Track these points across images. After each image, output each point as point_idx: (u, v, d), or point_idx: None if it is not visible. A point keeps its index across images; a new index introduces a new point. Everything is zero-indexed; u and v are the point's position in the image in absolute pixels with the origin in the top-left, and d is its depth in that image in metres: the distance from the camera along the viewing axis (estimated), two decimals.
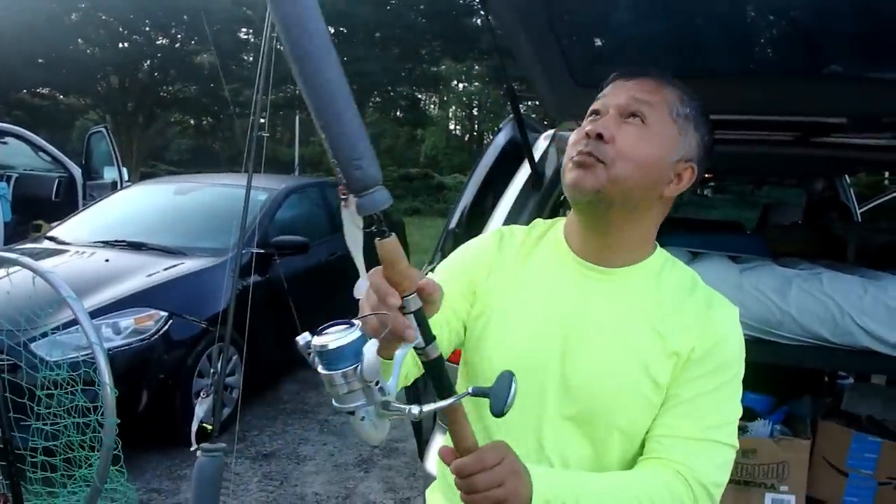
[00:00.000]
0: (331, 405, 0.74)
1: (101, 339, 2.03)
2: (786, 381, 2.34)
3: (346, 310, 0.84)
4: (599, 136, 0.95)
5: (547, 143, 2.51)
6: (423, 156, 28.33)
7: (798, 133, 2.39)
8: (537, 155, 2.42)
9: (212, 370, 3.46)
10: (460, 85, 32.42)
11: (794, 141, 2.37)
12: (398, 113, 23.26)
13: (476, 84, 29.85)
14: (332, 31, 20.08)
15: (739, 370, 0.99)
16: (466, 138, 34.63)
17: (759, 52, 2.27)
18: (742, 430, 2.07)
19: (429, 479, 1.43)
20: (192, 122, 25.90)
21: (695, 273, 1.06)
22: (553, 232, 1.08)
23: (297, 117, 18.51)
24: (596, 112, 1.01)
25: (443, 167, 26.87)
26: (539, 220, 1.13)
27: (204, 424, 2.55)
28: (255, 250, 3.72)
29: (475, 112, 33.76)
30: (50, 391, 2.30)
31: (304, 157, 21.74)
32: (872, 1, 1.69)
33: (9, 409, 2.02)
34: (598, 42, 2.20)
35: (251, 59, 21.74)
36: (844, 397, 2.39)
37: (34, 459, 2.22)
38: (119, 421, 2.02)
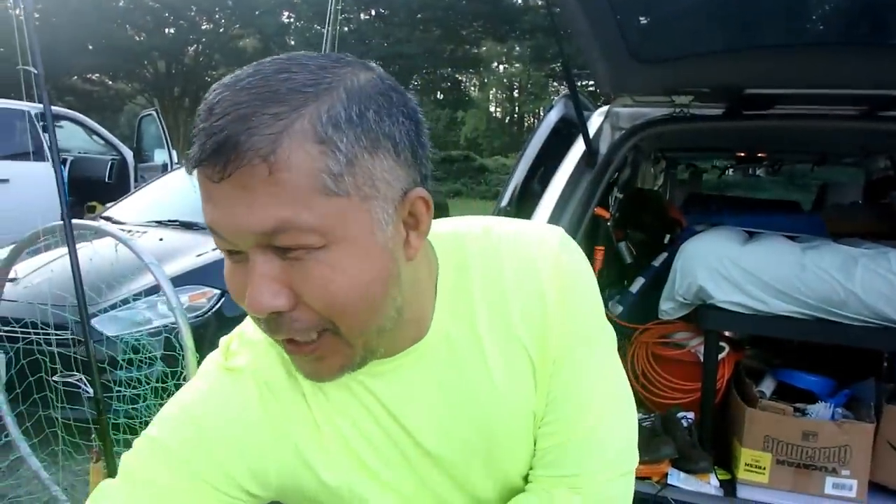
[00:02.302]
0: None
1: (181, 305, 2.10)
2: (846, 363, 2.27)
3: None
4: (278, 313, 0.57)
5: (602, 119, 2.48)
6: (463, 138, 28.29)
7: (864, 107, 2.31)
8: (592, 132, 2.39)
9: None
10: (501, 66, 32.17)
11: (860, 115, 2.29)
12: (439, 95, 23.20)
13: (517, 65, 29.58)
14: (374, 12, 20.06)
15: (599, 315, 0.76)
16: (507, 120, 34.43)
17: (823, 23, 2.19)
18: (802, 412, 2.03)
19: None
20: None
21: (486, 236, 0.74)
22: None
23: None
24: (211, 229, 0.58)
25: (483, 149, 26.80)
26: (259, 346, 0.72)
27: None
28: None
29: (516, 94, 33.48)
30: (130, 357, 2.39)
31: None
32: None
33: (99, 374, 2.07)
34: (656, 14, 2.14)
35: (293, 42, 21.90)
36: None
37: (115, 422, 2.32)
38: None
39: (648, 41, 2.08)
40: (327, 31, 2.37)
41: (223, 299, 3.53)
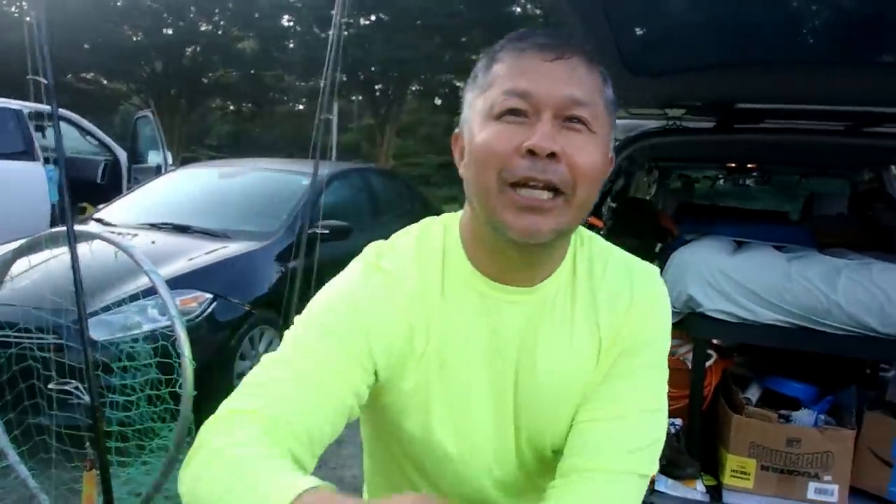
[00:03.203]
0: None
1: (179, 313, 2.09)
2: (829, 370, 2.32)
3: None
4: (553, 156, 0.74)
5: None
6: None
7: (850, 122, 2.35)
8: None
9: (254, 352, 3.51)
10: None
11: (846, 131, 2.34)
12: (437, 101, 23.22)
13: None
14: (374, 18, 20.06)
15: (664, 345, 0.89)
16: None
17: (812, 41, 2.24)
18: (786, 419, 2.07)
19: None
20: (232, 107, 26.16)
21: (597, 238, 0.94)
22: (451, 250, 0.87)
23: (336, 104, 18.55)
24: (518, 94, 0.77)
25: None
26: (428, 231, 0.91)
27: None
28: (321, 229, 3.71)
29: None
30: (125, 364, 2.39)
31: (339, 144, 21.86)
32: None
33: (97, 379, 2.04)
34: (652, 29, 2.18)
35: (292, 45, 21.87)
36: (889, 388, 2.37)
37: (108, 429, 2.27)
38: (196, 392, 2.07)
39: (643, 55, 2.12)
40: (332, 34, 2.41)
41: (214, 304, 3.44)
